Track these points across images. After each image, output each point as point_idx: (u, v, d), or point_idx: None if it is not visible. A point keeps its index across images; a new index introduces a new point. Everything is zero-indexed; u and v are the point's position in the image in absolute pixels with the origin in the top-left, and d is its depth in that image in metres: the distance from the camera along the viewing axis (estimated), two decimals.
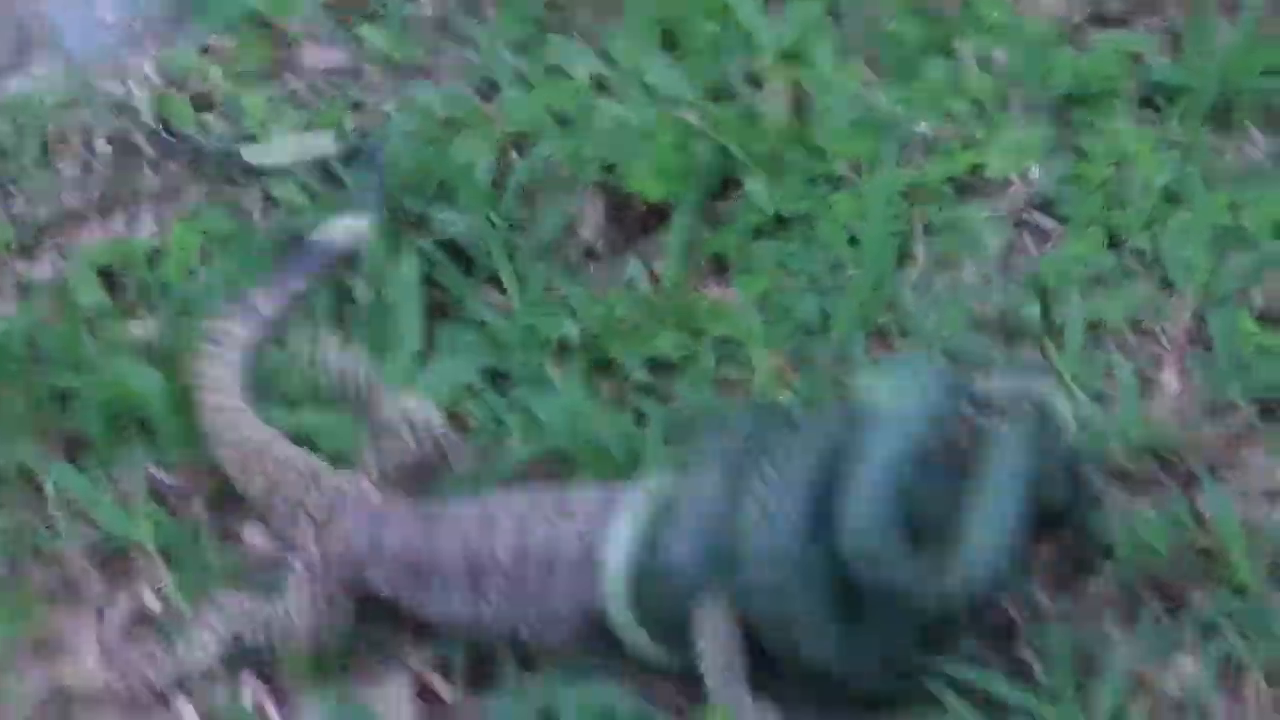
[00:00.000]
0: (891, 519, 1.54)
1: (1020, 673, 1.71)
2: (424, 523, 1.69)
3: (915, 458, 1.55)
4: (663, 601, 1.59)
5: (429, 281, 2.04)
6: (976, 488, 1.56)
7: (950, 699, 1.63)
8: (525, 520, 1.64)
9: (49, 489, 1.89)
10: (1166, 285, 2.05)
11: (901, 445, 1.54)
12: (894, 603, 1.57)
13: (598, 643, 1.64)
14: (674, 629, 1.60)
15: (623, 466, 1.83)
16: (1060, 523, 1.67)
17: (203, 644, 1.72)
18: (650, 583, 1.60)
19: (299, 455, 1.77)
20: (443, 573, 1.66)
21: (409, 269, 2.01)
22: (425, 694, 1.74)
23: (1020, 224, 2.15)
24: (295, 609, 1.70)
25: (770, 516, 1.54)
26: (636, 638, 1.63)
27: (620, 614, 1.61)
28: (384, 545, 1.69)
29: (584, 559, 1.61)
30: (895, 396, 1.57)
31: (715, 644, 1.58)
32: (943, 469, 1.57)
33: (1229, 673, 1.73)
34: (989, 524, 1.55)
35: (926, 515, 1.57)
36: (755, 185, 2.13)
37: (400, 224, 2.07)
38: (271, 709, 1.74)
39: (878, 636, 1.60)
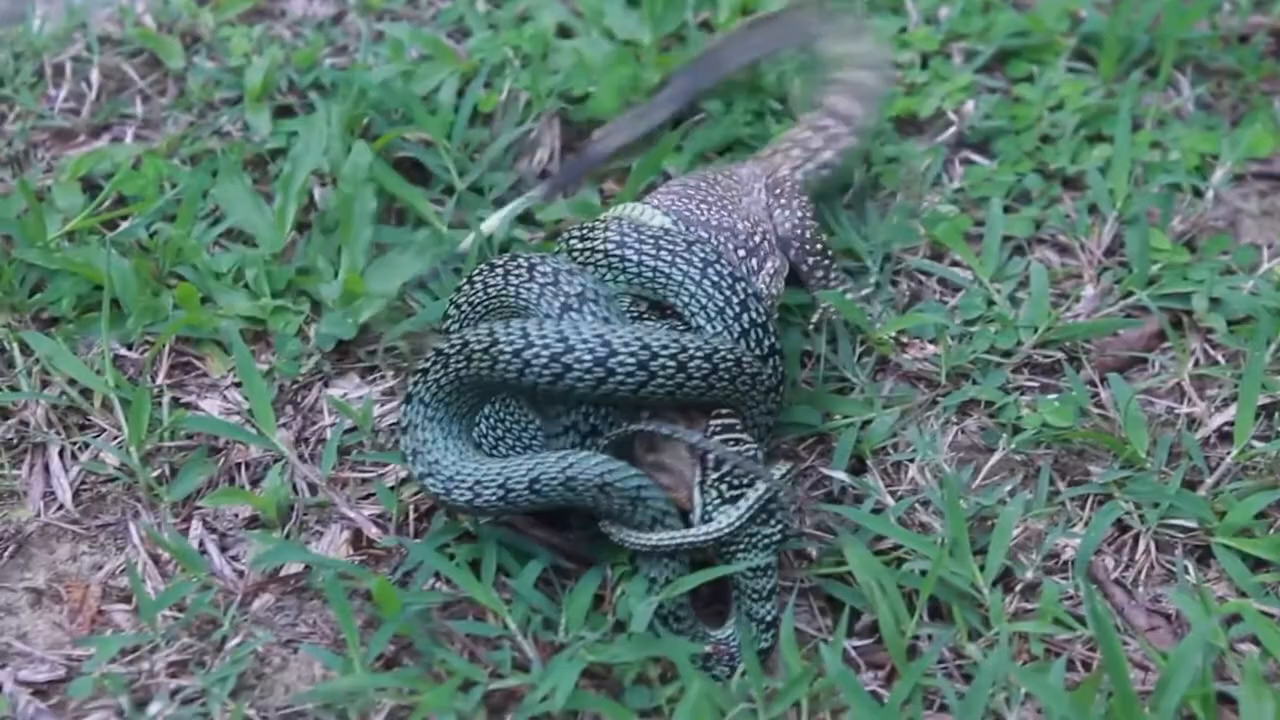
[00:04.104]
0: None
1: (925, 529, 1.79)
2: None
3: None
4: None
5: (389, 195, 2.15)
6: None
7: (854, 546, 1.71)
8: None
9: (16, 356, 1.98)
10: (1092, 210, 2.14)
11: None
12: None
13: None
14: None
15: None
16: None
17: None
18: None
19: None
20: None
21: (361, 166, 2.10)
22: (359, 541, 1.82)
23: (955, 160, 2.24)
24: None
25: None
26: None
27: None
28: None
29: None
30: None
31: None
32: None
33: (1123, 539, 1.81)
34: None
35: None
36: (707, 111, 2.24)
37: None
38: (213, 548, 1.82)
39: None
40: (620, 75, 2.26)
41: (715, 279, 1.76)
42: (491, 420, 1.76)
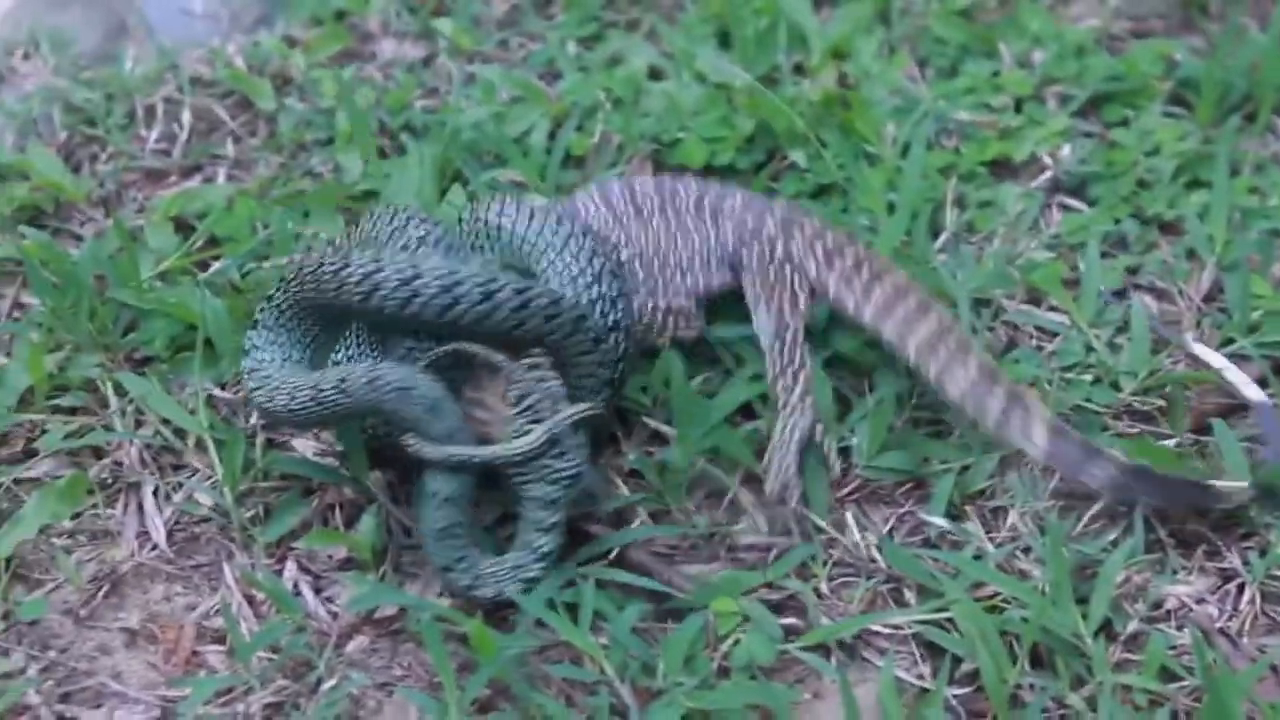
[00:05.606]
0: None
1: (1024, 576, 1.77)
2: None
3: None
4: None
5: None
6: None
7: (949, 585, 1.69)
8: None
9: (110, 396, 1.98)
10: (1191, 256, 2.12)
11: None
12: None
13: None
14: None
15: None
16: None
17: None
18: None
19: None
20: None
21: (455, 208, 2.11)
22: None
23: (1051, 205, 2.22)
24: None
25: None
26: None
27: None
28: None
29: None
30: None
31: None
32: None
33: (1227, 587, 1.78)
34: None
35: None
36: (798, 156, 2.22)
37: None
38: (307, 589, 1.82)
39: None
40: (712, 118, 2.25)
41: (575, 250, 1.85)
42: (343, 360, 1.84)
